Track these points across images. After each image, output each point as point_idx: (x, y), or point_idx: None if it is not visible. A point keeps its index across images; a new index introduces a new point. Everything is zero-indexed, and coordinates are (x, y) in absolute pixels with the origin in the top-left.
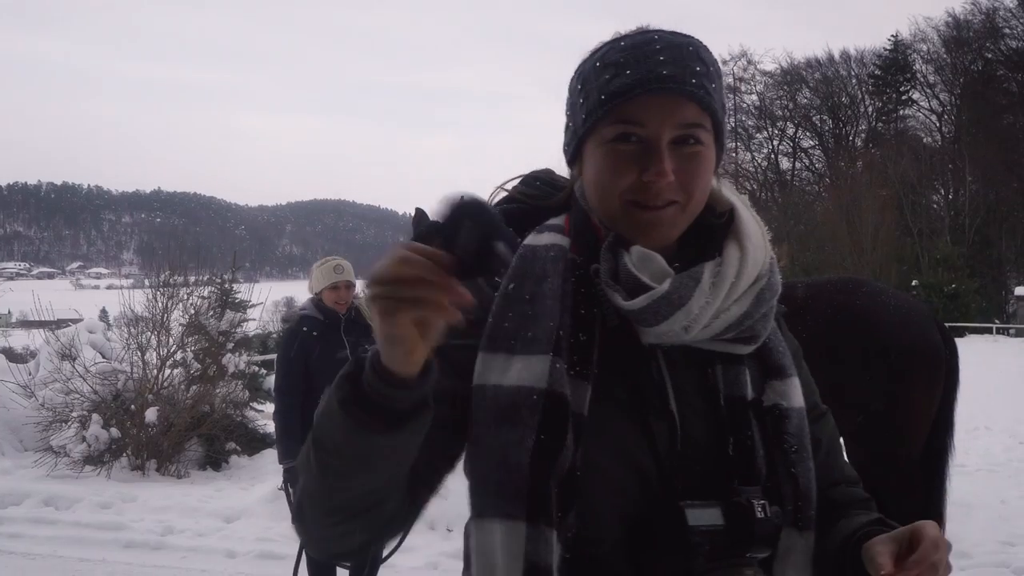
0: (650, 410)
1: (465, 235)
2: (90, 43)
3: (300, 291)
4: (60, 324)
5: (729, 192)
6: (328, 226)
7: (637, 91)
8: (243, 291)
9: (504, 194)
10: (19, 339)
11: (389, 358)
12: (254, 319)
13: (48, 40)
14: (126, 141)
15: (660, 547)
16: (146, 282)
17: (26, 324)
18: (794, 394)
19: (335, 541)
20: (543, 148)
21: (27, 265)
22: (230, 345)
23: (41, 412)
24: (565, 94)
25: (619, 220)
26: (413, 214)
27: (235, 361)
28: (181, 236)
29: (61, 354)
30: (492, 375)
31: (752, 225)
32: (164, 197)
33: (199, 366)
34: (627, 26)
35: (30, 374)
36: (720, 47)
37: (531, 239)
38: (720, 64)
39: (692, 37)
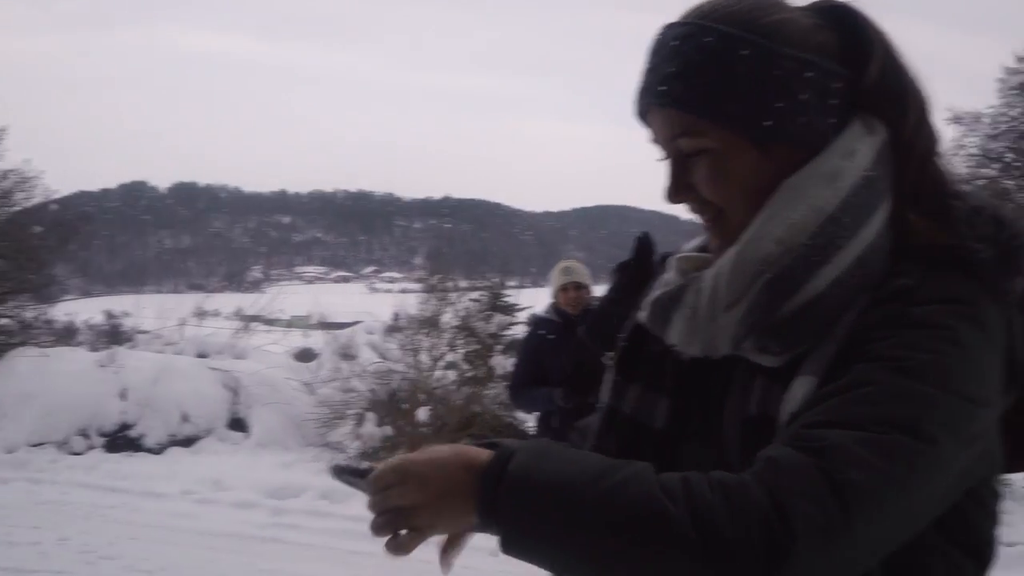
0: (704, 433)
1: None
2: (381, 56)
3: None
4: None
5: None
6: (612, 231)
7: (638, 111)
8: (513, 295)
9: None
10: (318, 340)
11: None
12: (524, 322)
13: (343, 54)
14: (417, 149)
15: None
16: (420, 286)
17: (324, 326)
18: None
19: None
20: None
21: (325, 269)
22: (499, 347)
23: (321, 409)
24: None
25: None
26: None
27: (503, 363)
28: (469, 241)
29: (341, 354)
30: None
31: (776, 204)
32: (453, 203)
33: (468, 367)
34: None
35: (313, 373)
36: None
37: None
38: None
39: (689, 23)
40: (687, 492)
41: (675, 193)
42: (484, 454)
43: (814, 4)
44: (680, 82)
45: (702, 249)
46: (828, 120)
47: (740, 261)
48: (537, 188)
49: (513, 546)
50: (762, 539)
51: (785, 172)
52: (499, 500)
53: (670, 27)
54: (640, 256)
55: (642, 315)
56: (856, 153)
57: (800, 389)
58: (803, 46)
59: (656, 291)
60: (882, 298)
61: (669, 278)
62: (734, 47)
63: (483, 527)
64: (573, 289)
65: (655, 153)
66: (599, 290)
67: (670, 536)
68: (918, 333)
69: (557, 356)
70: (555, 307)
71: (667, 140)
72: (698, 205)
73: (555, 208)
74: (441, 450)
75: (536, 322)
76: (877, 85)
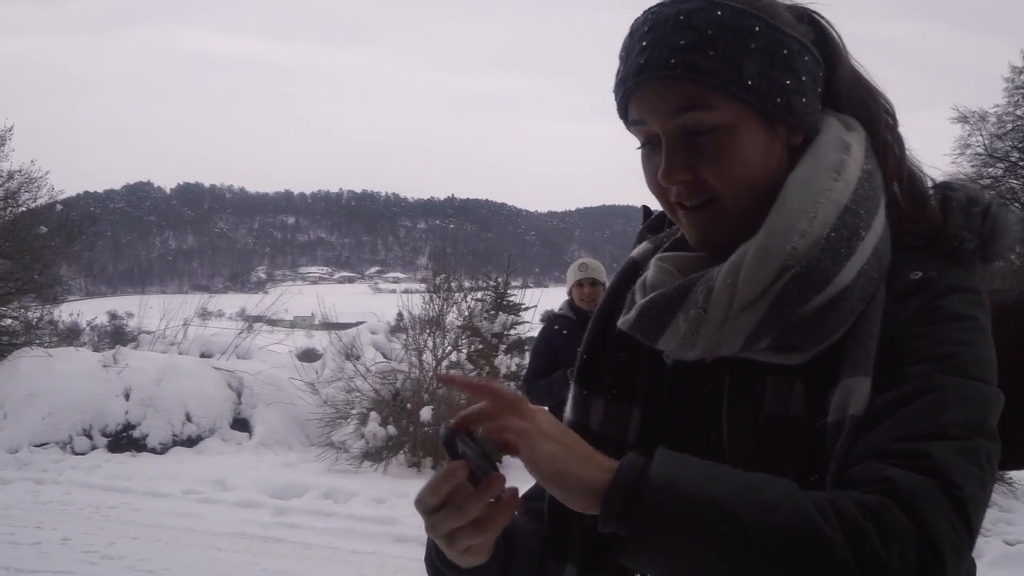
0: (697, 437)
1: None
2: (386, 56)
3: None
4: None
5: (821, 150)
6: (616, 232)
7: (624, 91)
8: (517, 294)
9: None
10: (321, 340)
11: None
12: (528, 322)
13: (348, 55)
14: (422, 150)
15: None
16: (424, 285)
17: (327, 326)
18: (849, 402)
19: None
20: None
21: (329, 270)
22: (503, 347)
23: (324, 409)
24: None
25: (677, 223)
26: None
27: (507, 363)
28: (473, 242)
29: (344, 354)
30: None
31: (793, 197)
32: (457, 204)
33: (472, 367)
34: None
35: (316, 373)
36: None
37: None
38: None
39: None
40: (838, 514)
41: (676, 172)
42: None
43: (783, 3)
44: (696, 53)
45: (671, 248)
46: (817, 107)
47: (763, 256)
48: (541, 188)
49: (643, 553)
50: (916, 564)
51: (783, 158)
52: (639, 505)
53: (668, 4)
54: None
55: (625, 321)
56: (851, 147)
57: (858, 390)
58: (797, 32)
59: (642, 295)
60: (906, 289)
61: (654, 279)
62: (748, 22)
63: (605, 525)
64: (588, 285)
65: (637, 139)
66: None
67: (827, 559)
68: (954, 326)
69: (572, 351)
70: (570, 303)
71: (668, 116)
72: (689, 189)
73: (559, 208)
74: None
75: (551, 318)
76: (849, 84)
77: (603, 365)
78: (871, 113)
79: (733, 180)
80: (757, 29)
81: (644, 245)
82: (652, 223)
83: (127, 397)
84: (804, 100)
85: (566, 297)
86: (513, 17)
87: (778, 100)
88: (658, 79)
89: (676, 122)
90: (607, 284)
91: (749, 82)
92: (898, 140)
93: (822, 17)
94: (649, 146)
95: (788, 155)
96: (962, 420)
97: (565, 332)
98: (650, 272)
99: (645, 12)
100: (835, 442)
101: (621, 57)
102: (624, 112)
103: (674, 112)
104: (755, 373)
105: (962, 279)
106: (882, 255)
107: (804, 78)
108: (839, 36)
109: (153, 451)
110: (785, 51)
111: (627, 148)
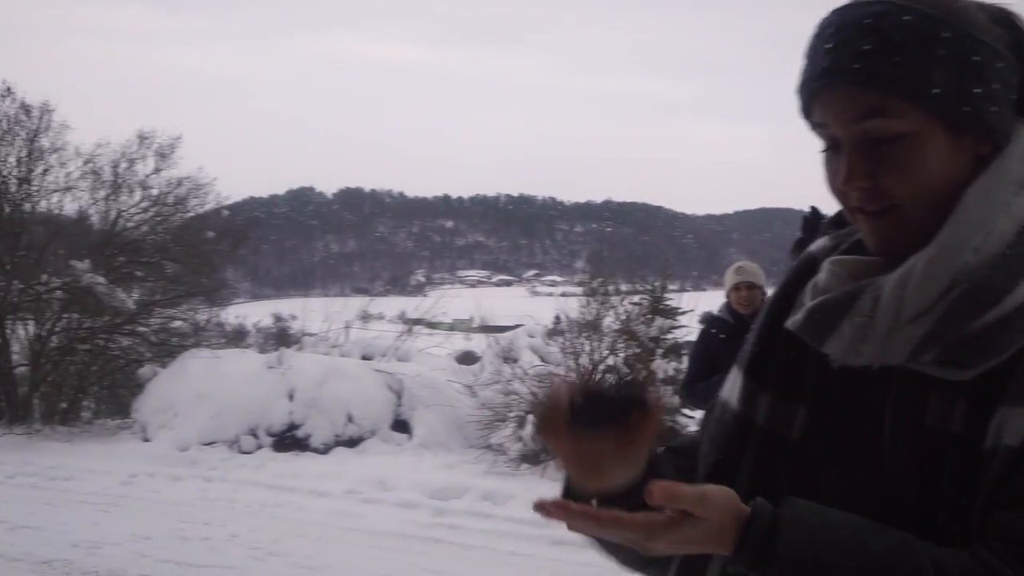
0: (857, 443)
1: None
2: (543, 59)
3: None
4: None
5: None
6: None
7: (807, 95)
8: (675, 298)
9: None
10: (479, 343)
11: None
12: (685, 325)
13: (505, 58)
14: (579, 153)
15: None
16: (581, 289)
17: (485, 329)
18: (1005, 430)
19: None
20: None
21: (487, 273)
22: (660, 351)
23: (483, 411)
24: None
25: (857, 225)
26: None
27: (664, 367)
28: (630, 245)
29: (502, 357)
30: (727, 388)
31: (969, 211)
32: (614, 207)
33: (629, 371)
34: None
35: (475, 376)
36: None
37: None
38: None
39: (883, 1)
40: None
41: (856, 179)
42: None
43: (981, 4)
44: (880, 59)
45: (849, 250)
46: (1009, 115)
47: (933, 270)
48: (699, 190)
49: None
50: None
51: (969, 168)
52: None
53: (855, 6)
54: (808, 234)
55: (793, 322)
56: None
57: (1016, 420)
58: (990, 37)
59: (811, 296)
60: None
61: (825, 283)
62: (936, 28)
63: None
64: (745, 288)
65: (818, 142)
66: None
67: None
68: None
69: (728, 356)
70: (728, 306)
71: (850, 122)
72: (868, 196)
73: (717, 211)
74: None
75: (709, 321)
76: None
77: (772, 360)
78: None
79: (914, 189)
80: (946, 35)
81: (824, 241)
82: (836, 219)
83: (291, 398)
84: (994, 109)
85: (724, 300)
86: (671, 19)
87: (965, 109)
88: (840, 84)
89: (857, 128)
90: (764, 288)
91: (935, 91)
92: None
93: (1021, 20)
94: (832, 149)
95: (974, 165)
96: None
97: (722, 336)
98: (822, 274)
99: (832, 12)
100: (989, 468)
101: (807, 56)
102: (807, 113)
103: (855, 119)
104: (920, 384)
105: None
106: None
107: (995, 86)
108: None
109: (316, 451)
110: (976, 58)
111: (787, 150)
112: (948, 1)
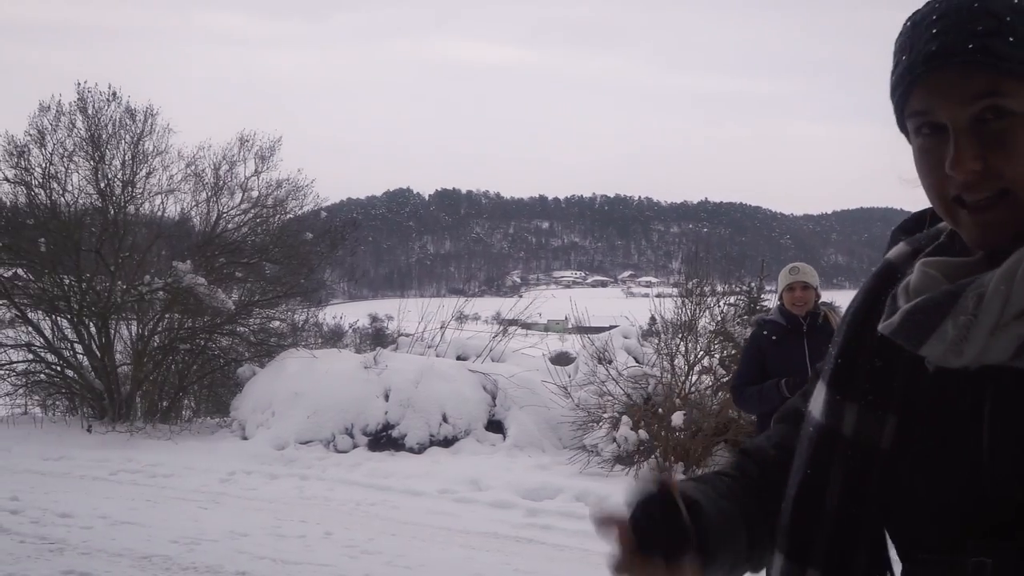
0: (954, 447)
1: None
2: (639, 59)
3: (843, 299)
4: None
5: None
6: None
7: (909, 81)
8: (771, 299)
9: None
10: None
11: None
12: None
13: (601, 59)
14: (675, 153)
15: None
16: (677, 290)
17: (580, 330)
18: None
19: None
20: None
21: (582, 274)
22: None
23: (577, 412)
24: None
25: (952, 222)
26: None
27: None
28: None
29: (597, 358)
30: (812, 401)
31: None
32: (710, 207)
33: (724, 372)
34: None
35: (569, 376)
36: None
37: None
38: None
39: None
40: None
41: (966, 160)
42: None
43: None
44: (996, 39)
45: (933, 253)
46: None
47: None
48: (797, 190)
49: None
50: None
51: None
52: None
53: None
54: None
55: (888, 325)
56: None
57: None
58: None
59: (905, 299)
60: None
61: (919, 284)
62: None
63: None
64: (800, 289)
65: (917, 127)
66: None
67: None
68: None
69: (779, 358)
70: (781, 308)
71: (964, 103)
72: (978, 180)
73: (815, 211)
74: None
75: (761, 323)
76: None
77: (858, 370)
78: None
79: (1022, 172)
80: None
81: (901, 247)
82: (906, 225)
83: (386, 398)
84: None
85: (777, 303)
86: (765, 18)
87: None
88: (955, 65)
89: (971, 110)
90: (818, 289)
91: None
92: None
93: None
94: (931, 138)
95: None
96: None
97: (774, 338)
98: (914, 276)
99: (929, 3)
100: None
101: (901, 49)
102: (902, 106)
103: (970, 99)
104: (1022, 384)
105: None
106: None
107: None
108: None
109: (411, 450)
110: None
111: (887, 150)
112: None
